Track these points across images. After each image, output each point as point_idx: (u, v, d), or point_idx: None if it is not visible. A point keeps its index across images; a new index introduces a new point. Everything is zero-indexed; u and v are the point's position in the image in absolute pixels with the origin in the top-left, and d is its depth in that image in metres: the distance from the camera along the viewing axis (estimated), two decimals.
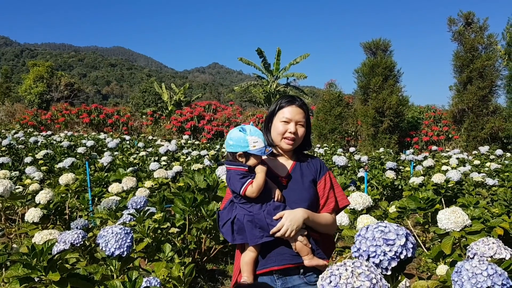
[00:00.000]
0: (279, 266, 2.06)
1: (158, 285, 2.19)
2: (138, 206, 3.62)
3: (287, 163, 2.24)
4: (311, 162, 2.28)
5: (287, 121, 2.17)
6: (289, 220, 1.98)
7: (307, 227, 2.08)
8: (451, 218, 3.20)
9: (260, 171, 2.03)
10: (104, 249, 2.16)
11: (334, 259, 4.57)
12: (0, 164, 8.03)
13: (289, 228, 1.97)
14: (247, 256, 2.08)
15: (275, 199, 2.07)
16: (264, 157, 2.16)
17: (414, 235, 5.31)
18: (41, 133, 17.80)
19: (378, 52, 19.27)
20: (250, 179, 2.04)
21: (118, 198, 4.64)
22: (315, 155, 12.86)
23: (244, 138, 2.05)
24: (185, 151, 12.41)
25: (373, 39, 19.52)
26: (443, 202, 6.36)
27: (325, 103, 20.46)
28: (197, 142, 17.35)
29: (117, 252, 2.16)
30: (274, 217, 2.00)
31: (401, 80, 19.28)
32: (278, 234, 1.98)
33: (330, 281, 1.36)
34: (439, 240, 3.46)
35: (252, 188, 2.01)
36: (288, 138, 2.18)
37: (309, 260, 2.04)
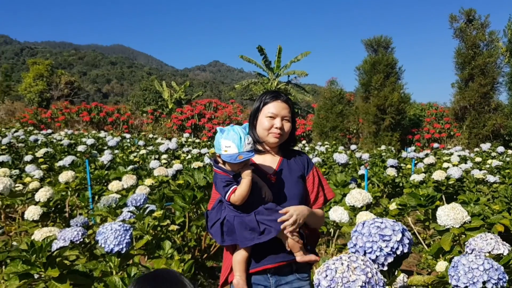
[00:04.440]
0: (273, 264, 2.06)
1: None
2: (138, 204, 3.63)
3: (274, 159, 2.21)
4: (298, 157, 2.26)
5: (273, 116, 2.13)
6: (297, 213, 1.97)
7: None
8: (450, 214, 3.20)
9: (245, 176, 1.95)
10: (103, 245, 2.17)
11: (325, 252, 4.58)
12: (0, 162, 8.05)
13: (297, 220, 1.96)
14: (239, 255, 2.04)
15: (267, 199, 2.03)
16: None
17: (414, 232, 5.31)
18: (41, 132, 17.81)
19: (380, 49, 19.24)
20: (234, 186, 1.96)
21: (118, 196, 4.64)
22: (316, 153, 12.86)
23: (218, 140, 1.98)
24: (185, 149, 12.42)
25: (375, 36, 19.50)
26: (444, 199, 6.36)
27: (326, 100, 20.45)
28: (197, 140, 17.35)
29: (116, 249, 2.16)
30: (281, 211, 1.96)
31: (402, 78, 19.25)
32: (287, 223, 1.94)
33: (326, 275, 1.37)
34: (439, 236, 3.46)
35: (235, 197, 1.94)
36: (274, 133, 2.13)
37: (301, 256, 2.03)
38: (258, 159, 2.19)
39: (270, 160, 2.20)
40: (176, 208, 4.38)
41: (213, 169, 2.12)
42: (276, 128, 2.12)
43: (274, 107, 2.14)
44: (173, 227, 3.90)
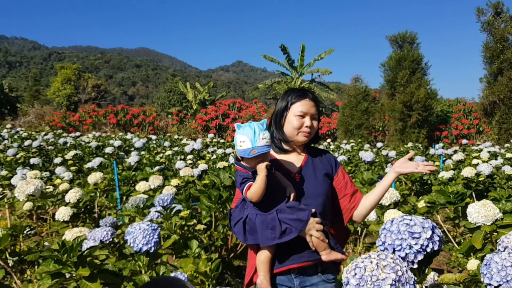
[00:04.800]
0: (297, 264, 2.00)
1: (185, 280, 2.21)
2: (165, 204, 3.67)
3: (298, 158, 2.19)
4: (323, 156, 2.24)
5: (302, 115, 2.11)
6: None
7: (324, 220, 2.05)
8: (481, 211, 3.13)
9: (260, 172, 1.91)
10: (132, 245, 2.20)
11: (352, 251, 4.52)
12: (31, 165, 8.27)
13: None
14: (263, 255, 2.00)
15: (291, 198, 1.99)
16: (276, 154, 2.13)
17: (444, 230, 5.21)
18: (70, 134, 18.23)
19: (405, 45, 18.94)
20: (250, 183, 1.94)
21: (146, 196, 4.71)
22: (341, 151, 12.76)
23: (235, 136, 1.98)
24: (210, 149, 12.51)
25: (399, 32, 19.22)
26: (474, 196, 6.22)
27: (351, 98, 20.26)
28: (222, 141, 17.44)
29: (144, 248, 2.19)
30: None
31: (429, 73, 18.91)
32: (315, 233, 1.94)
33: (355, 274, 1.35)
34: (470, 234, 3.39)
35: (250, 193, 1.92)
36: (305, 132, 2.12)
37: (326, 255, 1.98)
38: (283, 158, 2.18)
39: (295, 159, 2.18)
40: (202, 208, 4.41)
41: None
42: (306, 127, 2.12)
43: (303, 106, 2.12)
44: (200, 227, 3.93)
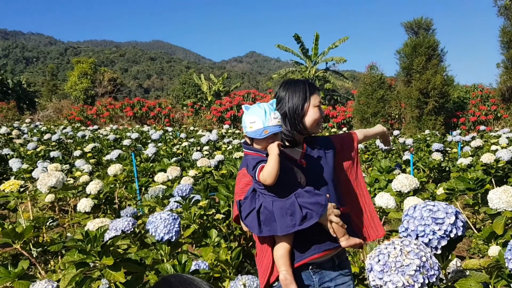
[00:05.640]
0: (319, 253, 1.92)
1: (206, 268, 2.24)
2: (184, 194, 3.70)
3: (299, 148, 2.12)
4: (318, 139, 2.20)
5: (318, 105, 2.10)
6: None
7: (340, 202, 2.02)
8: (502, 197, 3.09)
9: (271, 151, 1.79)
10: (153, 234, 2.23)
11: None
12: (51, 158, 8.41)
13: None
14: (282, 249, 1.88)
15: (302, 182, 1.90)
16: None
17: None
18: (87, 128, 18.46)
19: (420, 32, 18.63)
20: (262, 164, 1.81)
21: (164, 186, 4.76)
22: None
23: (244, 117, 1.87)
24: (226, 140, 12.55)
25: (415, 18, 18.87)
26: (493, 182, 6.14)
27: (366, 86, 20.05)
28: (237, 131, 17.48)
29: (166, 237, 2.22)
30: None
31: (445, 59, 18.57)
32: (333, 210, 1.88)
33: (379, 260, 1.35)
34: (490, 221, 3.35)
35: (263, 175, 1.79)
36: (321, 122, 2.14)
37: (346, 241, 1.90)
38: (284, 150, 2.08)
39: (296, 149, 2.11)
40: (220, 198, 4.44)
41: (243, 152, 1.96)
42: (322, 117, 2.14)
43: (318, 97, 2.11)
44: (219, 216, 3.96)
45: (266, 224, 1.83)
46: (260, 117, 1.80)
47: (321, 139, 2.21)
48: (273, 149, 1.78)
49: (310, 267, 1.95)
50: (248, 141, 1.90)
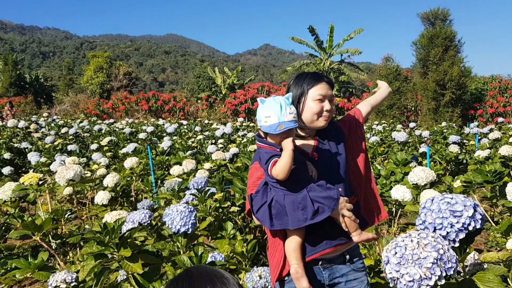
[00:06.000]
0: (330, 248, 1.90)
1: (222, 260, 2.25)
2: (199, 186, 3.72)
3: (310, 140, 2.08)
4: (329, 130, 2.11)
5: (321, 98, 2.00)
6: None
7: (352, 194, 2.01)
8: None
9: (286, 146, 1.77)
10: (170, 226, 2.25)
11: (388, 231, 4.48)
12: (68, 151, 8.53)
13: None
14: (293, 242, 1.88)
15: (313, 176, 1.89)
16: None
17: None
18: (104, 121, 18.64)
19: (437, 22, 18.36)
20: (275, 159, 1.80)
21: (180, 179, 4.79)
22: (373, 132, 12.58)
23: (259, 111, 1.85)
24: (240, 133, 12.56)
25: (431, 8, 18.60)
26: None
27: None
28: (252, 124, 17.47)
29: (182, 229, 2.24)
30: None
31: (462, 50, 18.32)
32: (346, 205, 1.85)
33: (395, 253, 1.34)
34: (509, 213, 3.31)
35: (275, 170, 1.78)
36: (325, 116, 2.02)
37: (358, 236, 1.86)
38: (296, 142, 2.03)
39: (307, 142, 2.08)
40: (235, 190, 4.45)
41: (256, 145, 1.96)
42: (326, 111, 2.01)
43: (321, 89, 2.02)
44: (234, 209, 3.98)
45: (277, 218, 1.82)
46: (275, 112, 1.78)
47: (333, 129, 2.13)
48: (288, 144, 1.76)
49: (320, 262, 1.93)
50: (261, 134, 1.88)
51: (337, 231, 1.89)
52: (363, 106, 2.31)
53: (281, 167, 1.75)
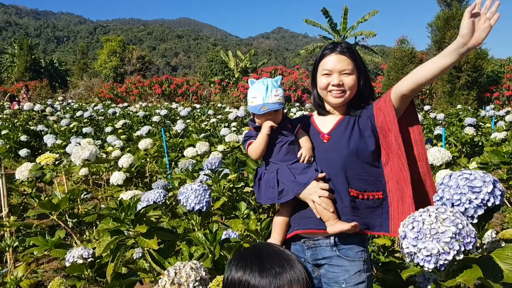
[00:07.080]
0: (302, 230, 1.86)
1: (236, 237, 2.26)
2: (213, 167, 3.73)
3: (334, 119, 1.95)
4: (363, 111, 1.91)
5: (328, 73, 1.85)
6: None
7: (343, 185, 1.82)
8: None
9: (262, 129, 1.86)
10: (185, 204, 2.26)
11: None
12: (83, 134, 8.62)
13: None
14: (278, 218, 1.94)
15: (301, 160, 1.87)
16: (316, 115, 2.02)
17: None
18: (118, 105, 18.76)
19: (453, 3, 18.02)
20: (250, 140, 1.92)
21: (194, 161, 4.81)
22: None
23: (248, 92, 1.90)
24: None
25: None
26: None
27: (396, 61, 19.61)
28: None
29: (197, 207, 2.25)
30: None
31: None
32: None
33: (413, 227, 1.33)
34: None
35: (250, 150, 1.90)
36: (334, 91, 1.86)
37: (330, 226, 1.76)
38: (318, 120, 2.02)
39: (331, 120, 1.96)
40: (249, 171, 4.45)
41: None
42: (334, 85, 1.85)
43: (329, 62, 1.85)
44: (247, 189, 3.98)
45: (260, 192, 1.93)
46: (261, 93, 1.84)
47: (365, 109, 1.93)
48: (265, 128, 1.85)
49: (303, 240, 1.91)
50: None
51: (315, 215, 1.84)
52: (402, 85, 1.82)
53: (253, 148, 1.89)
